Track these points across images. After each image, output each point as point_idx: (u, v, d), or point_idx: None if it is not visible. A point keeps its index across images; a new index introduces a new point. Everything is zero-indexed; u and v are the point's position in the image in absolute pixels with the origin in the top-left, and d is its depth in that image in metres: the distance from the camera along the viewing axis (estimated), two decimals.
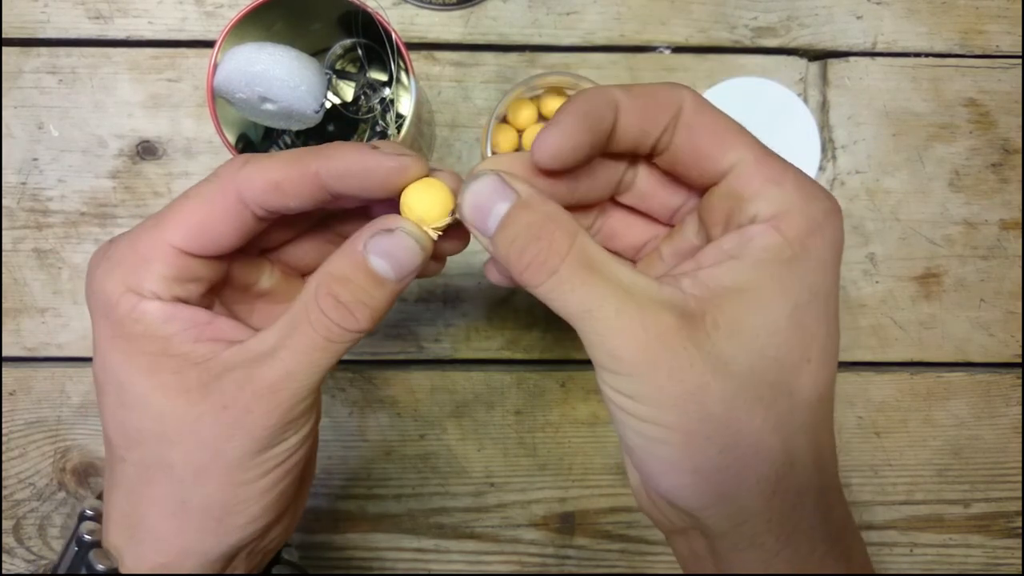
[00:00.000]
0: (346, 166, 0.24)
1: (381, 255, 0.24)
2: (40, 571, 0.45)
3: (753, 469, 0.23)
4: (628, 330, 0.22)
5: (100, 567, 0.25)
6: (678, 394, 0.22)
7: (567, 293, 0.23)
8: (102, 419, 0.26)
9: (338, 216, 0.29)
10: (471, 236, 0.26)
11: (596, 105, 0.24)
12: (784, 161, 0.24)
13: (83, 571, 0.25)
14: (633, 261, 0.30)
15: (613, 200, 0.29)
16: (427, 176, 0.25)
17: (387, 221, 0.25)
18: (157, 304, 0.24)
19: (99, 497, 0.28)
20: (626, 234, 0.29)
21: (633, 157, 0.27)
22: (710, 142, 0.24)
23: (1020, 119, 0.47)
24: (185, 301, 0.25)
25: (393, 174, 0.24)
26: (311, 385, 0.25)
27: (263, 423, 0.24)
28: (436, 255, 0.28)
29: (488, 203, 0.24)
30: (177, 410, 0.24)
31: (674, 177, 0.27)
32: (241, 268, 0.28)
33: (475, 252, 0.43)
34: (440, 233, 0.25)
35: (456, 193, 0.25)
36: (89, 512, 0.28)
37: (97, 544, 0.26)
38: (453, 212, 0.25)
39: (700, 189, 0.26)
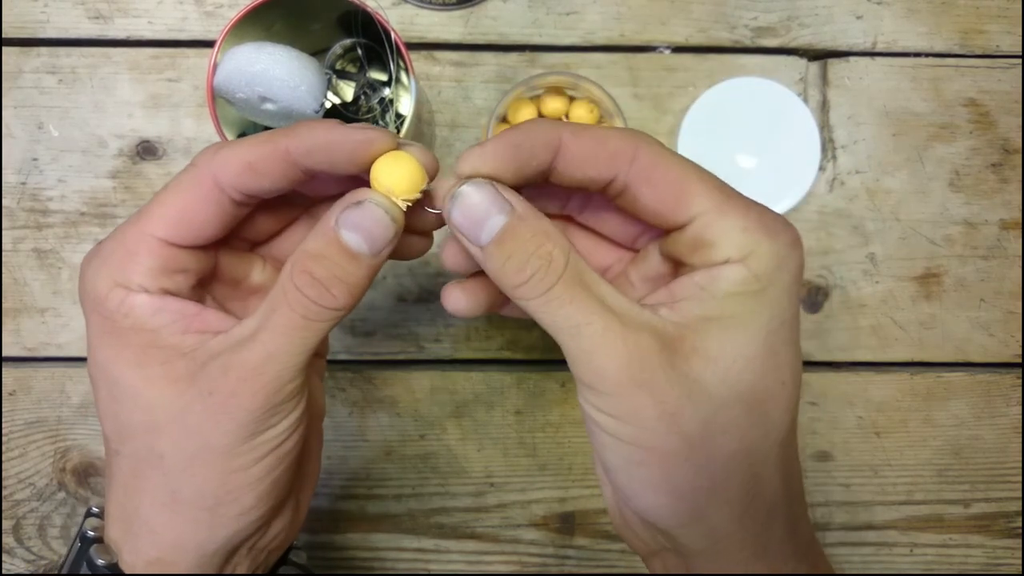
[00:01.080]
0: (313, 141, 0.24)
1: (352, 228, 0.24)
2: (41, 571, 0.45)
3: (728, 489, 0.24)
4: (613, 348, 0.23)
5: (100, 562, 0.25)
6: (657, 415, 0.23)
7: (557, 309, 0.23)
8: (98, 414, 0.26)
9: (324, 205, 0.29)
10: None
11: (531, 140, 0.24)
12: (745, 200, 0.25)
13: (84, 567, 0.25)
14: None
15: (573, 220, 0.29)
16: (395, 150, 0.25)
17: (356, 194, 0.25)
18: (145, 297, 0.25)
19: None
20: (590, 255, 0.30)
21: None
22: (669, 194, 0.24)
23: (1020, 119, 0.47)
24: (174, 294, 0.25)
25: (359, 147, 0.24)
26: (294, 366, 0.24)
27: (248, 406, 0.24)
28: (418, 230, 0.28)
29: (482, 215, 0.24)
30: (165, 400, 0.24)
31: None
32: (231, 262, 0.28)
33: None
34: (409, 203, 0.25)
35: (426, 166, 0.25)
36: (95, 509, 0.28)
37: (99, 540, 0.26)
38: (426, 191, 0.25)
39: (662, 230, 0.26)
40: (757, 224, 0.24)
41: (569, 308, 0.23)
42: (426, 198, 0.26)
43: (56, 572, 0.28)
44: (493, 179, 0.24)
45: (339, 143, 0.24)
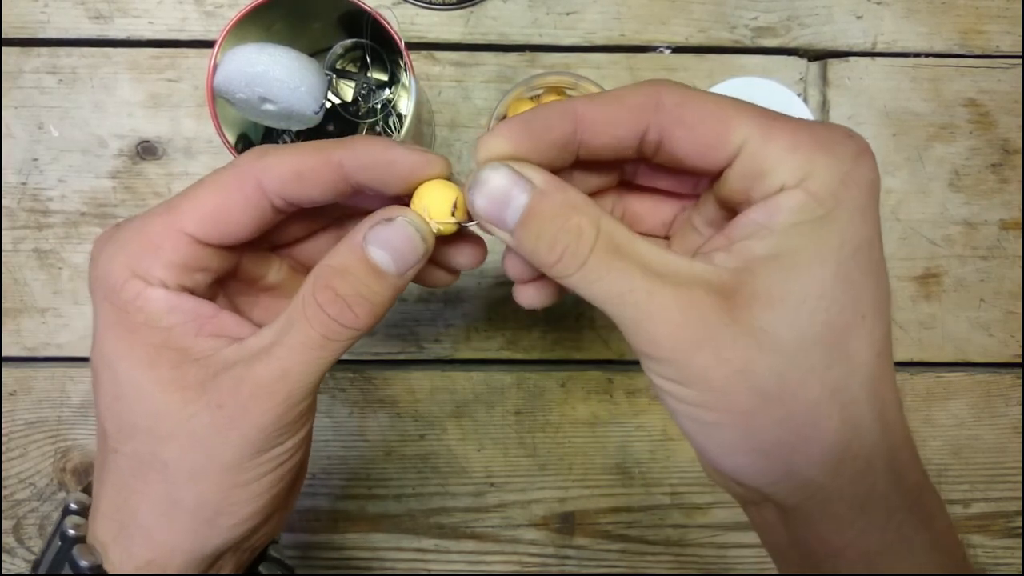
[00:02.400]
0: (371, 158, 0.24)
1: (381, 245, 0.24)
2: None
3: (816, 441, 0.22)
4: (663, 313, 0.21)
5: (83, 563, 0.24)
6: (725, 374, 0.21)
7: (596, 281, 0.22)
8: (96, 407, 0.25)
9: (354, 218, 0.28)
10: (486, 250, 0.26)
11: (543, 116, 0.23)
12: (793, 120, 0.22)
13: (66, 568, 0.25)
14: (666, 238, 0.28)
15: (628, 182, 0.28)
16: (445, 177, 0.25)
17: (387, 211, 0.24)
18: (162, 292, 0.24)
19: (84, 490, 0.28)
20: (651, 214, 0.28)
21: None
22: (705, 130, 0.22)
23: (1020, 119, 0.47)
24: (191, 291, 0.25)
25: (416, 168, 0.24)
26: (308, 386, 0.24)
27: (258, 424, 0.23)
28: (448, 266, 0.28)
29: (504, 197, 0.22)
30: (172, 407, 0.23)
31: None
32: (250, 261, 0.28)
33: None
34: (439, 227, 0.25)
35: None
36: (74, 506, 0.27)
37: (81, 539, 0.25)
38: (463, 221, 0.25)
39: (712, 173, 0.24)
40: (810, 141, 0.21)
41: (608, 279, 0.22)
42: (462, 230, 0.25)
43: (33, 573, 0.27)
44: (512, 159, 0.23)
45: (397, 163, 0.24)
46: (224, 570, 0.26)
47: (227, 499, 0.24)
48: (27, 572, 0.45)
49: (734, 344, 0.21)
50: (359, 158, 0.24)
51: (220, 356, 0.24)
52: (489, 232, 0.24)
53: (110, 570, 0.24)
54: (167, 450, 0.24)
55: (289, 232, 0.28)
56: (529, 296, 0.27)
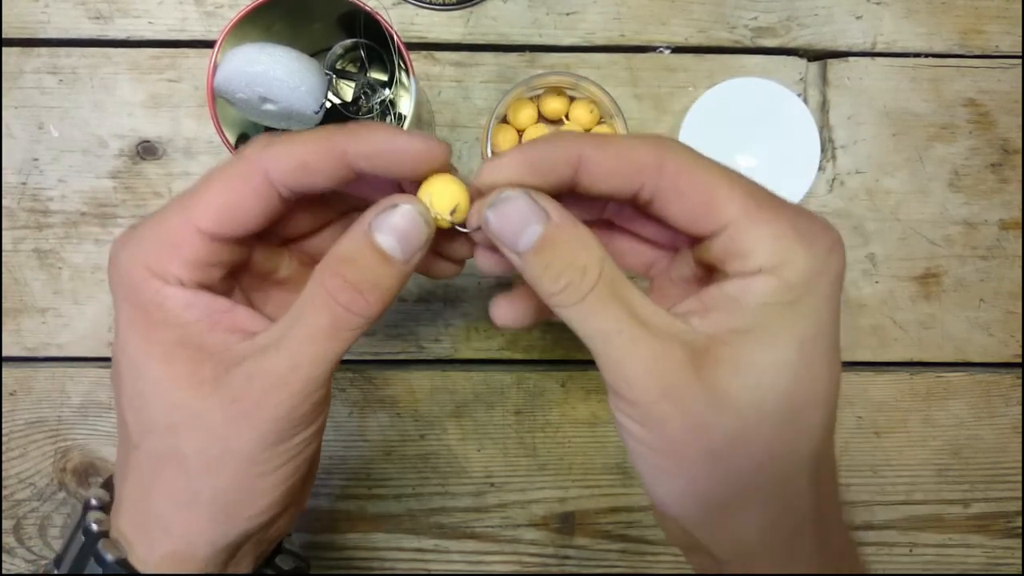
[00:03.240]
0: (376, 146, 0.24)
1: (387, 232, 0.24)
2: (41, 571, 0.45)
3: (754, 502, 0.24)
4: (641, 358, 0.23)
5: (109, 557, 0.25)
6: (683, 426, 0.23)
7: (589, 317, 0.23)
8: (118, 403, 0.26)
9: (361, 209, 0.29)
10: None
11: (550, 155, 0.24)
12: (780, 204, 0.24)
13: (91, 563, 0.25)
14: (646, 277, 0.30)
15: (612, 223, 0.29)
16: (448, 171, 0.26)
17: (391, 199, 0.25)
18: (179, 290, 0.24)
19: (104, 486, 0.28)
20: (630, 255, 0.30)
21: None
22: (697, 204, 0.24)
23: (1020, 119, 0.47)
24: (207, 287, 0.25)
25: (421, 155, 0.25)
26: (320, 377, 0.24)
27: (272, 416, 0.24)
28: (451, 256, 0.29)
29: (520, 222, 0.24)
30: (188, 401, 0.24)
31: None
32: (263, 255, 0.28)
33: None
34: (447, 221, 0.25)
35: (469, 193, 0.25)
36: (94, 502, 0.28)
37: (105, 534, 0.26)
38: (462, 223, 0.26)
39: (694, 238, 0.26)
40: (791, 231, 0.23)
41: (601, 317, 0.23)
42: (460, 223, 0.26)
43: (57, 571, 0.27)
44: (527, 187, 0.24)
45: (402, 150, 0.24)
46: (244, 561, 0.27)
47: (245, 490, 0.25)
48: (28, 572, 0.45)
49: (696, 400, 0.23)
50: (363, 146, 0.24)
51: (234, 351, 0.24)
52: (494, 243, 0.25)
53: (135, 563, 0.25)
54: (185, 443, 0.24)
55: (298, 225, 0.29)
56: (503, 315, 0.28)
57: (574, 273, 0.23)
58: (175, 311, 0.24)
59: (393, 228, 0.24)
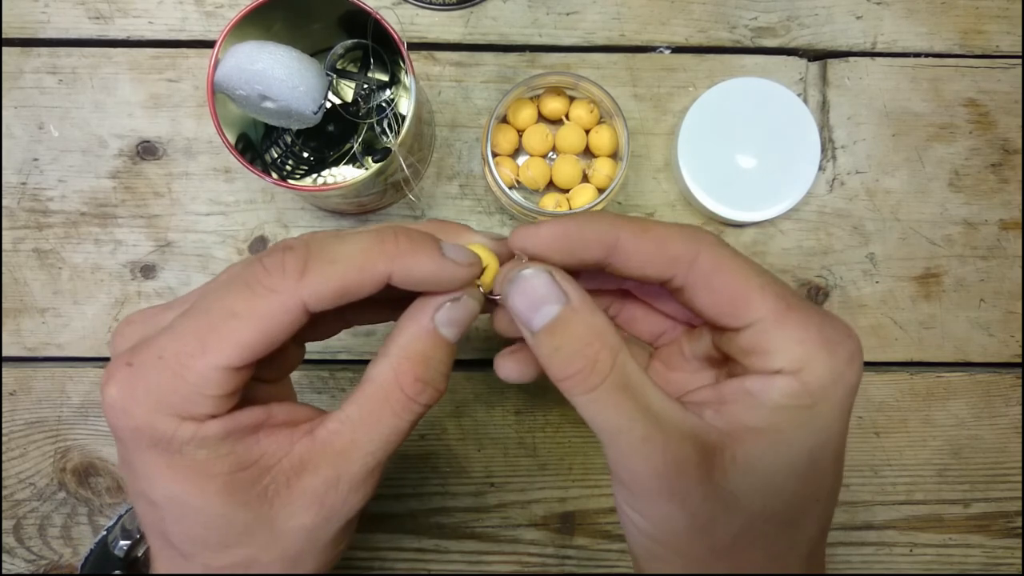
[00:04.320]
0: (421, 274, 0.24)
1: (451, 324, 0.25)
2: (41, 571, 0.45)
3: None
4: (650, 457, 0.23)
5: None
6: (687, 526, 0.23)
7: (599, 411, 0.23)
8: (168, 535, 0.25)
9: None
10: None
11: (587, 234, 0.24)
12: (808, 308, 0.24)
13: None
14: (653, 345, 0.30)
15: (630, 293, 0.30)
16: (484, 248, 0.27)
17: (451, 292, 0.25)
18: (217, 424, 0.24)
19: (107, 558, 0.28)
20: (644, 322, 0.30)
21: None
22: (727, 300, 0.24)
23: (1020, 119, 0.47)
24: (237, 404, 0.25)
25: (463, 279, 0.25)
26: (389, 458, 0.26)
27: (358, 505, 0.25)
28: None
29: (538, 301, 0.24)
30: (266, 516, 0.24)
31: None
32: None
33: None
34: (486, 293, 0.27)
35: (499, 258, 0.26)
36: None
37: None
38: (488, 292, 0.27)
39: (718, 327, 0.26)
40: (816, 336, 0.23)
41: (610, 412, 0.23)
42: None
43: None
44: (549, 263, 0.25)
45: (448, 279, 0.25)
46: None
47: (324, 564, 0.26)
48: (27, 572, 0.45)
49: (703, 502, 0.23)
50: (409, 276, 0.24)
51: (295, 456, 0.25)
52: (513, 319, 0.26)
53: None
54: (269, 553, 0.24)
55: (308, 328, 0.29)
56: (508, 370, 0.28)
57: (584, 362, 0.23)
58: (217, 444, 0.24)
59: (455, 321, 0.25)
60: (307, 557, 0.25)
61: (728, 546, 0.23)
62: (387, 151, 0.37)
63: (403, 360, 0.25)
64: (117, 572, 0.25)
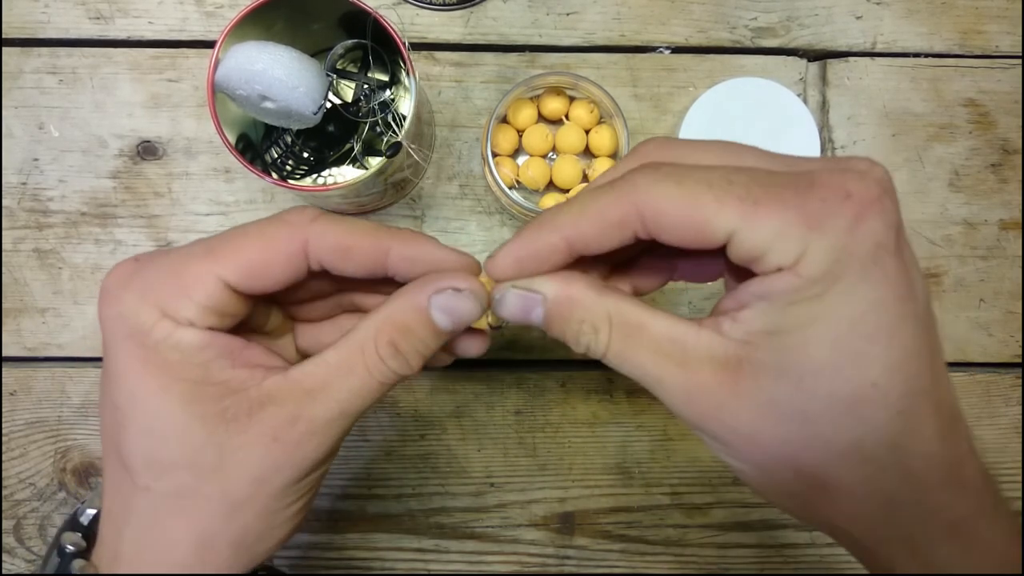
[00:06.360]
0: (419, 253, 0.26)
1: (444, 310, 0.25)
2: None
3: (827, 497, 0.24)
4: (673, 395, 0.24)
5: None
6: (737, 440, 0.24)
7: (620, 365, 0.25)
8: (118, 444, 0.25)
9: (357, 291, 0.31)
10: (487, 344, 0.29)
11: (537, 247, 0.25)
12: (779, 196, 0.22)
13: None
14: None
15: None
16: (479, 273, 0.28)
17: (454, 280, 0.26)
18: (194, 331, 0.24)
19: (74, 527, 0.28)
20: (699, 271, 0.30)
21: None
22: (689, 230, 0.22)
23: (1020, 119, 0.47)
24: (218, 330, 0.25)
25: (457, 267, 0.26)
26: (357, 419, 0.26)
27: (313, 456, 0.25)
28: (451, 350, 0.29)
29: (523, 311, 0.25)
30: (218, 439, 0.24)
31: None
32: (260, 310, 0.29)
33: (477, 252, 0.43)
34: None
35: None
36: (70, 548, 0.27)
37: None
38: (496, 324, 0.28)
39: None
40: (798, 219, 0.21)
41: (630, 363, 0.24)
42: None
43: None
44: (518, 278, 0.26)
45: (442, 261, 0.26)
46: None
47: (268, 525, 0.25)
48: (27, 572, 0.45)
49: (738, 418, 0.23)
50: (409, 252, 0.26)
51: (263, 388, 0.25)
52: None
53: None
54: (211, 483, 0.24)
55: (298, 294, 0.29)
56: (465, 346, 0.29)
57: (588, 335, 0.25)
58: (191, 351, 0.24)
59: (452, 310, 0.25)
60: (247, 509, 0.24)
61: (784, 451, 0.23)
62: (398, 145, 0.37)
63: (385, 321, 0.25)
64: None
